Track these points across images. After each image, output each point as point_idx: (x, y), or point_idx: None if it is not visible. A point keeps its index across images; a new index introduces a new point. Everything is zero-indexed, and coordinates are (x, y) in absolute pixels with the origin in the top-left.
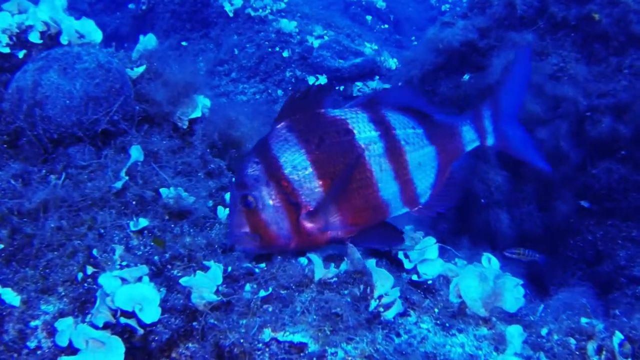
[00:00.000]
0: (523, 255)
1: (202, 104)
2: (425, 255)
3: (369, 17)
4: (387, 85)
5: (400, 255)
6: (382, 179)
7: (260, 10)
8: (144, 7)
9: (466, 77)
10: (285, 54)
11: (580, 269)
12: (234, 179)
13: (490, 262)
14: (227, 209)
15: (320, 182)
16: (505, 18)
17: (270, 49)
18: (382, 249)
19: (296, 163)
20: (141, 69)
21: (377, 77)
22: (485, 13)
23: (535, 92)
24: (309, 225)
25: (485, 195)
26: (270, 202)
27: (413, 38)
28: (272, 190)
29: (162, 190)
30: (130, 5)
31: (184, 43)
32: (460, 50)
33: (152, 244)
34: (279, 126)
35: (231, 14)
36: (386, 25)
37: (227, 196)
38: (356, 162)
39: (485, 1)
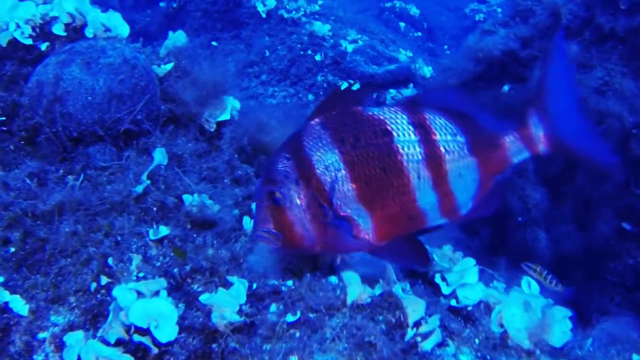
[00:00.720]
0: (543, 279)
1: (231, 106)
2: (465, 279)
3: (402, 24)
4: None
5: (438, 278)
6: (420, 187)
7: (294, 12)
8: (175, 5)
9: (506, 87)
10: (318, 57)
11: (619, 294)
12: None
13: (530, 286)
14: (254, 220)
15: (354, 186)
16: (549, 28)
17: (302, 52)
18: (405, 267)
19: (329, 163)
20: (169, 66)
21: (412, 84)
22: (528, 22)
23: None
24: (330, 231)
25: (523, 212)
26: (298, 201)
27: (446, 47)
28: (302, 189)
29: (185, 196)
30: (162, 4)
31: (214, 43)
32: (501, 59)
33: (172, 254)
34: (313, 122)
35: (264, 15)
36: (419, 33)
37: (254, 206)
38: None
39: (528, 10)
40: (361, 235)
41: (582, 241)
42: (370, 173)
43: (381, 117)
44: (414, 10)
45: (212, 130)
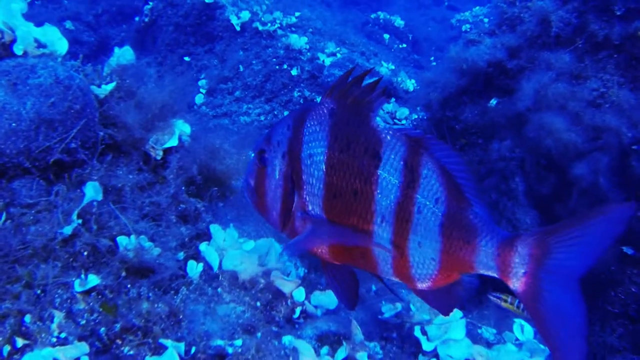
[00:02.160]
0: (515, 308)
1: (180, 130)
2: (449, 334)
3: (386, 36)
4: (404, 109)
5: (417, 332)
6: (378, 231)
7: (269, 24)
8: (146, 20)
9: (493, 102)
10: (294, 72)
11: (621, 325)
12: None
13: (523, 331)
14: (200, 265)
15: (324, 191)
16: (538, 36)
17: (277, 67)
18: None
19: (314, 153)
20: (110, 86)
21: (393, 99)
22: (516, 30)
23: (572, 120)
24: (297, 223)
25: None
26: (277, 174)
27: (432, 58)
28: (285, 165)
29: (120, 239)
30: (137, 18)
31: (186, 58)
32: (487, 71)
33: (100, 309)
34: (326, 102)
35: (238, 28)
36: (404, 45)
37: (202, 247)
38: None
39: (516, 17)
40: (317, 243)
41: None
42: (342, 187)
43: (381, 137)
44: (399, 22)
45: (159, 158)
